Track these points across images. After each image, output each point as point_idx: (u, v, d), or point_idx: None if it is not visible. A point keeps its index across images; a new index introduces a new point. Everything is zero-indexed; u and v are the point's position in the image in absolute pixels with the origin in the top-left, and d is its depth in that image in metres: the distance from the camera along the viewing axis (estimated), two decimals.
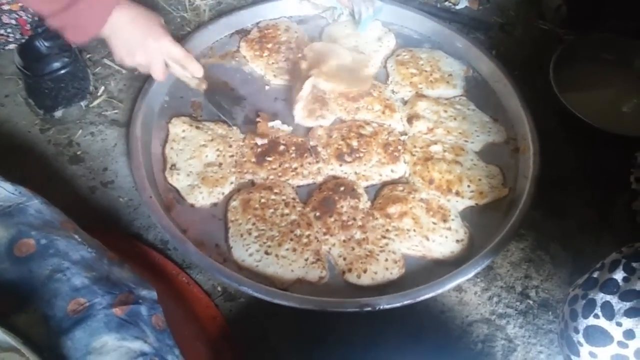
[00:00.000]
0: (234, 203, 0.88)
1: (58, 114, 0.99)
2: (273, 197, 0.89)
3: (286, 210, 0.88)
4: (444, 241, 0.87)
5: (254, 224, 0.86)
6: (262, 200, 0.88)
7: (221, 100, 0.99)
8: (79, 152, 0.96)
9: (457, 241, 0.88)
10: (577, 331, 0.62)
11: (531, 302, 0.87)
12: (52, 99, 0.98)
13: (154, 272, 0.83)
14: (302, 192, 0.93)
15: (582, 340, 0.62)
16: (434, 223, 0.89)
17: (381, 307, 0.79)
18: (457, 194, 0.92)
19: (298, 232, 0.86)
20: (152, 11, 0.87)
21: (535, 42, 1.19)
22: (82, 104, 1.00)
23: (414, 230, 0.88)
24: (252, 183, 0.92)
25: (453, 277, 0.83)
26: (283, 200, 0.89)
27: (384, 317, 0.81)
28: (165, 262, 0.85)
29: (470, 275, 0.84)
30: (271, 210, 0.88)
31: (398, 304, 0.79)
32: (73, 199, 0.90)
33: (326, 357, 0.80)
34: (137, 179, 0.88)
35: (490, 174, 0.95)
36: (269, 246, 0.84)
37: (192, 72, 0.92)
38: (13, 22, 0.82)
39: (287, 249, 0.84)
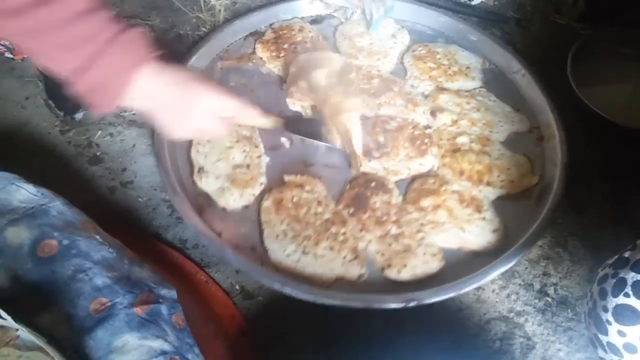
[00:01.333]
0: (266, 203, 0.87)
1: (79, 116, 0.99)
2: (305, 195, 0.88)
3: (319, 209, 0.87)
4: (480, 232, 0.87)
5: (288, 224, 0.85)
6: (295, 200, 0.87)
7: (303, 126, 0.94)
8: (98, 153, 0.97)
9: (493, 231, 0.87)
10: (606, 310, 0.62)
11: (550, 299, 0.87)
12: (72, 101, 0.98)
13: (173, 271, 0.83)
14: (332, 190, 0.91)
15: (611, 318, 0.62)
16: (469, 214, 0.88)
17: (425, 301, 0.78)
18: (489, 184, 0.92)
19: (334, 230, 0.85)
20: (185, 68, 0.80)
21: (552, 37, 1.19)
22: None
23: (449, 223, 0.87)
24: (283, 181, 0.91)
25: (494, 267, 0.82)
26: (315, 198, 0.88)
27: (401, 315, 0.81)
28: (184, 261, 0.86)
29: (511, 264, 0.83)
30: (304, 210, 0.87)
31: (443, 297, 0.79)
32: (93, 199, 0.91)
33: (344, 356, 0.80)
34: (169, 185, 0.87)
35: (518, 162, 0.95)
36: (306, 246, 0.83)
37: (258, 117, 0.84)
38: None
39: (325, 248, 0.83)
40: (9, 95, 1.04)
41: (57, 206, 0.68)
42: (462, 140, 0.96)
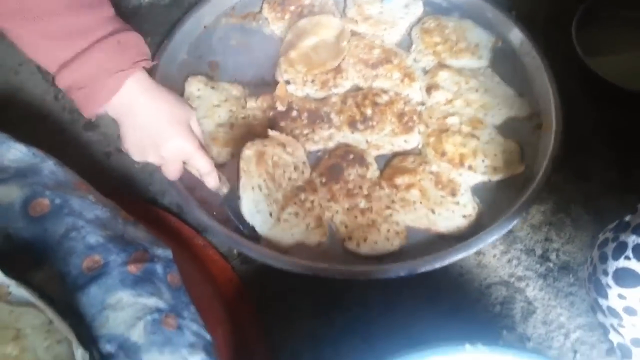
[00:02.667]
0: (247, 152, 0.86)
1: None
2: (285, 156, 0.88)
3: (294, 175, 0.88)
4: (450, 215, 0.86)
5: (264, 180, 0.85)
6: (275, 158, 0.87)
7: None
8: (93, 119, 0.96)
9: (464, 216, 0.86)
10: (606, 274, 0.62)
11: (551, 264, 0.86)
12: None
13: (170, 235, 0.84)
14: (312, 158, 0.92)
15: (611, 282, 0.62)
16: (442, 196, 0.87)
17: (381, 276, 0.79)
18: (470, 168, 0.89)
19: (302, 197, 0.86)
20: (178, 97, 0.79)
21: (555, 2, 1.14)
22: None
23: (420, 203, 0.86)
24: (267, 135, 0.91)
25: (455, 251, 0.81)
26: (293, 162, 0.89)
27: (401, 280, 0.81)
28: (181, 226, 0.86)
29: (472, 251, 0.82)
30: (280, 171, 0.87)
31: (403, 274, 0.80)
32: (88, 164, 0.92)
33: (344, 319, 0.81)
34: None
35: (507, 149, 0.91)
36: (273, 209, 0.84)
37: (209, 184, 0.83)
38: None
39: (290, 213, 0.84)
40: (2, 61, 1.03)
41: (49, 166, 0.68)
42: (452, 120, 0.94)
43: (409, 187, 0.87)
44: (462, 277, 0.85)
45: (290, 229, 0.83)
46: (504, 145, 0.92)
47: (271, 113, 0.94)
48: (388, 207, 0.86)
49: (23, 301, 0.55)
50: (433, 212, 0.86)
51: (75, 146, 0.94)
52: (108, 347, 0.56)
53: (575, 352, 0.80)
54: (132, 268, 0.61)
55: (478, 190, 0.89)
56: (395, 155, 0.92)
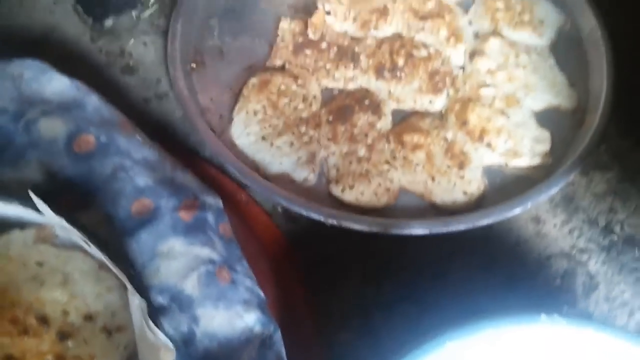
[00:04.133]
0: (253, 80, 0.85)
1: (108, 22, 0.95)
2: (294, 87, 0.85)
3: (301, 105, 0.84)
4: (450, 188, 0.80)
5: (263, 106, 0.83)
6: (282, 87, 0.85)
7: None
8: (131, 63, 0.93)
9: (465, 193, 0.79)
10: None
11: (615, 237, 0.80)
12: (101, 5, 0.94)
13: (212, 188, 0.78)
14: (326, 95, 0.87)
15: None
16: (448, 166, 0.81)
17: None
18: (489, 145, 0.82)
19: (303, 129, 0.82)
20: None
21: None
22: (133, 13, 0.95)
23: (423, 167, 0.81)
24: (283, 67, 0.89)
25: (447, 222, 0.75)
26: (303, 95, 0.85)
27: (455, 247, 0.78)
28: (223, 179, 0.81)
29: (455, 228, 0.74)
30: (286, 100, 0.84)
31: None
32: (126, 110, 0.85)
33: (393, 285, 0.77)
34: (171, 30, 0.88)
35: (537, 137, 0.83)
36: (268, 133, 0.81)
37: None
38: None
39: (285, 142, 0.81)
40: None
41: (93, 101, 0.63)
42: (486, 92, 0.86)
43: (416, 147, 0.82)
44: (520, 247, 0.80)
45: (280, 157, 0.80)
46: (534, 132, 0.84)
47: (300, 39, 0.90)
48: (387, 162, 0.81)
49: (70, 245, 0.51)
50: (433, 179, 0.80)
51: (112, 90, 0.88)
52: (160, 299, 0.52)
53: (639, 332, 0.75)
54: (184, 215, 0.57)
55: (491, 172, 0.82)
56: (414, 113, 0.86)
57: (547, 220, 0.81)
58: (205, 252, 0.56)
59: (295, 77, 0.86)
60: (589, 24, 0.93)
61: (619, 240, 0.80)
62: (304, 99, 0.85)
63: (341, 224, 0.73)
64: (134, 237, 0.54)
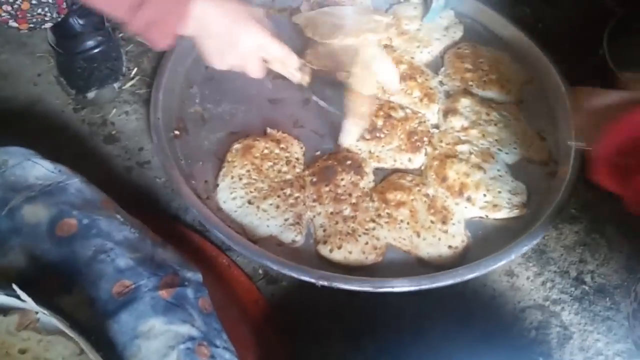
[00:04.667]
0: (236, 145, 0.88)
1: (91, 95, 0.97)
2: (277, 151, 0.88)
3: (285, 168, 0.87)
4: (435, 242, 0.81)
5: (248, 171, 0.85)
6: (265, 152, 0.87)
7: (325, 89, 0.93)
8: (113, 132, 0.95)
9: (450, 247, 0.81)
10: None
11: (587, 287, 0.83)
12: (84, 79, 0.96)
13: (194, 254, 0.80)
14: (309, 157, 0.90)
15: None
16: (432, 222, 0.83)
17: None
18: (469, 199, 0.85)
19: (288, 191, 0.84)
20: (243, 2, 0.79)
21: (584, 16, 1.11)
22: (116, 85, 0.98)
23: (407, 223, 0.83)
24: (264, 133, 0.91)
25: (434, 277, 0.77)
26: (286, 157, 0.88)
27: (432, 303, 0.79)
28: (205, 244, 0.83)
29: (442, 284, 0.76)
30: (270, 164, 0.86)
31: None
32: (109, 179, 0.90)
33: (374, 344, 0.78)
34: (153, 99, 0.90)
35: (514, 189, 0.86)
36: (254, 197, 0.83)
37: (293, 69, 0.83)
38: (50, 0, 0.79)
39: (271, 204, 0.82)
40: (20, 71, 1.01)
41: (75, 184, 0.65)
42: (462, 148, 0.90)
43: (399, 204, 0.84)
44: (495, 300, 0.82)
45: (267, 220, 0.81)
46: (511, 185, 0.87)
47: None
48: (372, 220, 0.83)
49: (52, 329, 0.53)
50: (418, 235, 0.82)
51: (94, 160, 0.91)
52: None
53: None
54: (164, 293, 0.59)
55: (472, 224, 0.85)
56: (395, 171, 0.89)
57: (520, 273, 0.84)
58: (184, 329, 0.57)
59: (278, 141, 0.89)
60: (554, 82, 0.98)
61: (590, 290, 0.83)
62: (287, 162, 0.87)
63: (332, 285, 0.74)
64: (114, 319, 0.55)
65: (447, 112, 0.94)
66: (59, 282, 0.57)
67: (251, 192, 0.83)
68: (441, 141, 0.91)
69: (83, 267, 0.58)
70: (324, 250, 0.80)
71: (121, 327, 0.55)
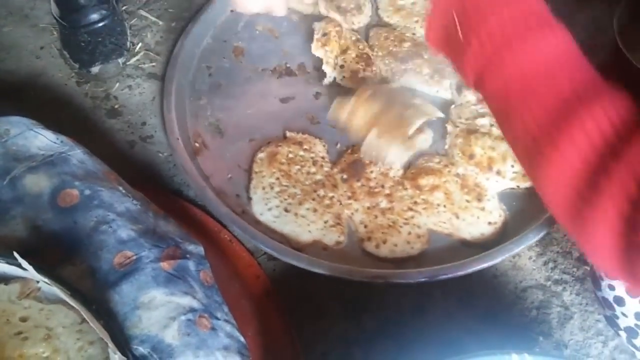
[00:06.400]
0: (260, 155, 0.86)
1: (95, 70, 0.95)
2: (302, 153, 0.86)
3: (313, 169, 0.85)
4: (474, 221, 0.82)
5: (277, 178, 0.84)
6: (290, 156, 0.86)
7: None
8: (116, 106, 0.94)
9: (490, 223, 0.82)
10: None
11: (589, 268, 0.83)
12: (88, 53, 0.95)
13: (196, 228, 0.80)
14: (332, 152, 0.89)
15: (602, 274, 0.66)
16: (467, 201, 0.83)
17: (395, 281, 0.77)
18: (498, 173, 0.85)
19: (321, 192, 0.83)
20: None
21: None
22: (120, 60, 0.97)
23: (444, 206, 0.83)
24: (284, 136, 0.89)
25: (479, 259, 0.78)
26: (312, 158, 0.86)
27: (433, 282, 0.79)
28: (207, 219, 0.83)
29: (497, 261, 0.79)
30: (297, 167, 0.85)
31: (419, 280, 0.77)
32: (111, 153, 0.89)
33: (374, 321, 0.78)
34: (167, 121, 0.88)
35: None
36: (290, 204, 0.82)
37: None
38: None
39: (308, 209, 0.82)
40: (23, 44, 1.01)
41: (78, 154, 0.65)
42: (482, 121, 0.89)
43: (433, 189, 0.84)
44: (497, 280, 0.82)
45: (307, 226, 0.80)
46: None
47: None
48: (410, 209, 0.83)
49: (53, 298, 0.53)
50: (457, 216, 0.82)
51: (97, 134, 0.91)
52: (141, 349, 0.54)
53: None
54: (165, 265, 0.59)
55: (505, 197, 0.85)
56: (420, 155, 0.89)
57: (522, 253, 0.84)
58: (185, 300, 0.58)
59: (300, 143, 0.88)
60: None
61: (592, 271, 0.83)
62: (314, 162, 0.86)
63: (388, 282, 0.77)
64: (115, 289, 0.55)
65: (461, 86, 0.94)
66: (60, 252, 0.58)
67: (285, 199, 0.82)
68: (460, 117, 0.91)
69: (84, 238, 0.58)
70: (369, 247, 0.80)
71: (122, 297, 0.56)
